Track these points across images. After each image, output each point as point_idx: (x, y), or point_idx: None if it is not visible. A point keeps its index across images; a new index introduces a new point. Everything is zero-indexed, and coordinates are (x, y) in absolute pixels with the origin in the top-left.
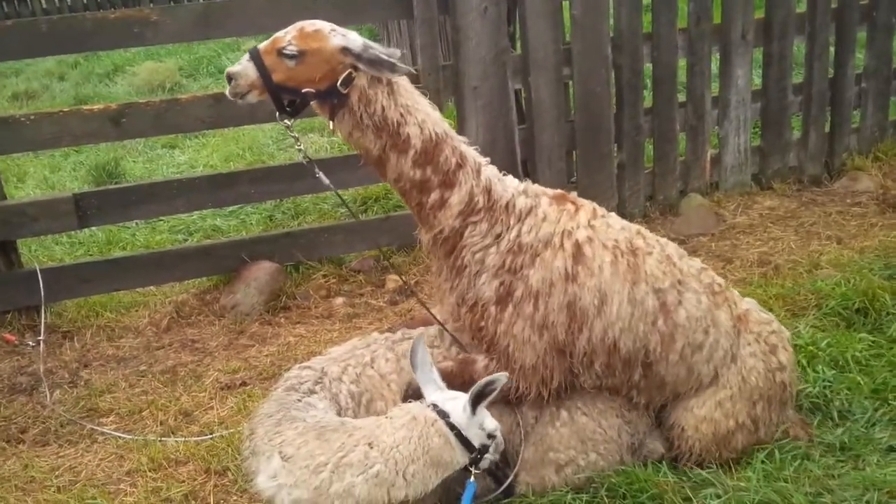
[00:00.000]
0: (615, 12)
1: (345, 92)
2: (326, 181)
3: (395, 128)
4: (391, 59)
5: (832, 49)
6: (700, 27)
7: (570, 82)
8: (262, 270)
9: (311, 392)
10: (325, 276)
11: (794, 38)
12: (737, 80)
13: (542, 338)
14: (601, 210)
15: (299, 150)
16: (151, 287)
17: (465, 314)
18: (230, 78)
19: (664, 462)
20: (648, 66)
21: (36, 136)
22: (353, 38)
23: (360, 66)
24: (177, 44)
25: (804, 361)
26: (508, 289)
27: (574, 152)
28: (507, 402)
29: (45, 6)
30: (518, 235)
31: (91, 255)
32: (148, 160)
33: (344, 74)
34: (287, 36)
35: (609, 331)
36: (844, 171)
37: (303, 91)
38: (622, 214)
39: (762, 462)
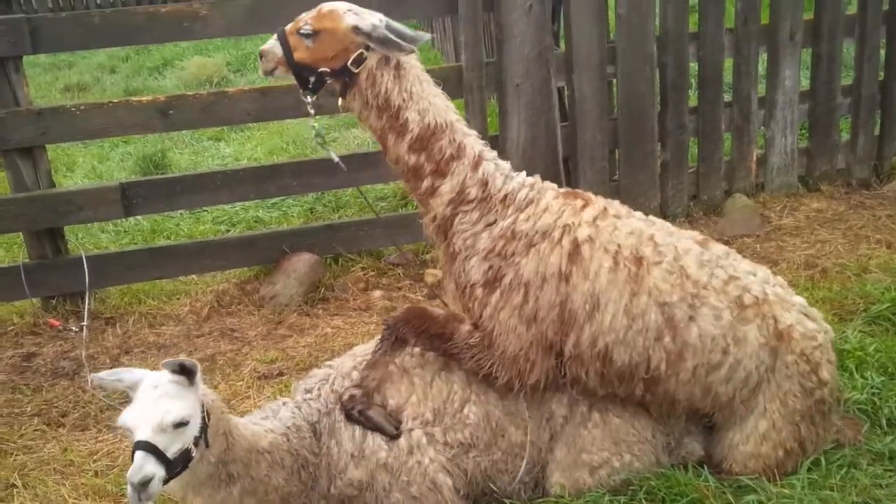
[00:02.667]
0: (661, 10)
1: (356, 71)
2: (336, 158)
3: (395, 111)
4: (398, 39)
5: (882, 51)
6: (747, 27)
7: (614, 80)
8: (302, 262)
9: (308, 391)
10: (363, 268)
11: (843, 39)
12: (784, 81)
13: (528, 330)
14: (616, 209)
15: (312, 128)
16: (193, 276)
17: (459, 297)
18: (261, 55)
19: (705, 466)
20: (694, 66)
21: (86, 126)
22: (366, 18)
23: (371, 44)
24: (225, 38)
25: (852, 366)
26: (497, 273)
27: (616, 151)
28: (483, 378)
29: (99, 1)
30: (513, 223)
31: (135, 243)
32: (194, 152)
33: (355, 54)
34: (306, 16)
35: (600, 339)
36: (894, 175)
37: (319, 70)
38: (664, 214)
39: (808, 470)
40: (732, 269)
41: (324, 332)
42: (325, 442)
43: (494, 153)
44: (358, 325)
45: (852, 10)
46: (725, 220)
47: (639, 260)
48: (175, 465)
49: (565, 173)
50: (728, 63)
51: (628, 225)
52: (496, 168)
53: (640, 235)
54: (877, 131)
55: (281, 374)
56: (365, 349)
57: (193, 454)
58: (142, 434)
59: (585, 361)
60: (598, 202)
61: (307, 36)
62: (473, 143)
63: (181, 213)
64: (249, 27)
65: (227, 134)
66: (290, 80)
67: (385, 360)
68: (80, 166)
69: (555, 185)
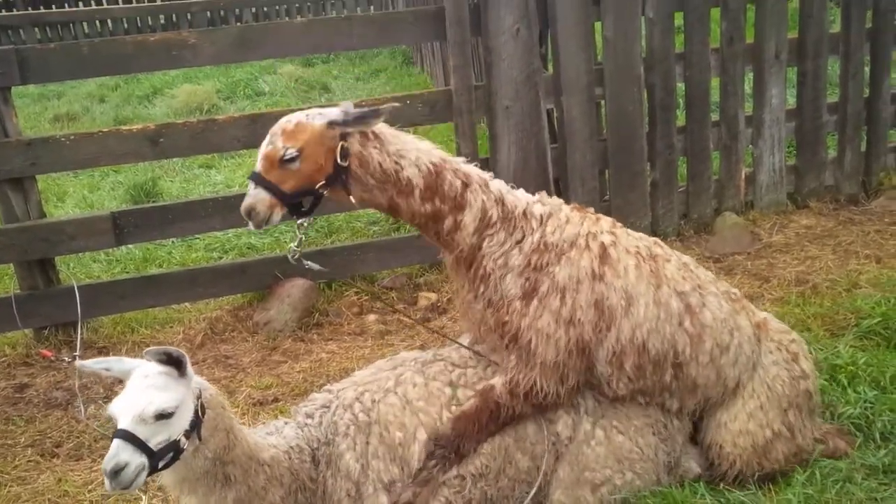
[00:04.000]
0: (647, 32)
1: (346, 164)
2: (317, 267)
3: (395, 176)
4: (371, 108)
5: (866, 69)
6: (733, 47)
7: (602, 102)
8: (296, 288)
9: (309, 416)
10: (357, 293)
11: (827, 57)
12: (771, 100)
13: (567, 333)
14: (619, 224)
15: (294, 250)
16: (186, 304)
17: (492, 314)
18: (249, 213)
19: (701, 482)
20: (681, 86)
21: (75, 156)
22: (329, 111)
23: (349, 129)
24: (215, 66)
25: (844, 381)
26: (534, 284)
27: (606, 171)
28: (538, 408)
29: (87, 31)
30: (542, 236)
31: (127, 272)
32: (185, 180)
33: (338, 148)
34: (277, 144)
35: (637, 331)
36: (882, 191)
37: (317, 187)
38: (655, 233)
39: (802, 485)
40: (710, 274)
41: (319, 357)
42: (322, 471)
43: (491, 173)
44: (353, 350)
45: (836, 28)
46: (716, 238)
47: (654, 258)
48: (159, 457)
49: (556, 194)
50: (715, 82)
51: (634, 233)
52: (502, 185)
53: (647, 240)
54: (863, 147)
55: (276, 399)
56: (364, 375)
57: (184, 446)
58: (122, 423)
59: (626, 355)
60: (605, 217)
61: (292, 160)
62: (469, 167)
63: (173, 241)
64: (238, 54)
65: (217, 161)
66: (286, 217)
67: (439, 479)
68: (70, 196)
69: (560, 199)
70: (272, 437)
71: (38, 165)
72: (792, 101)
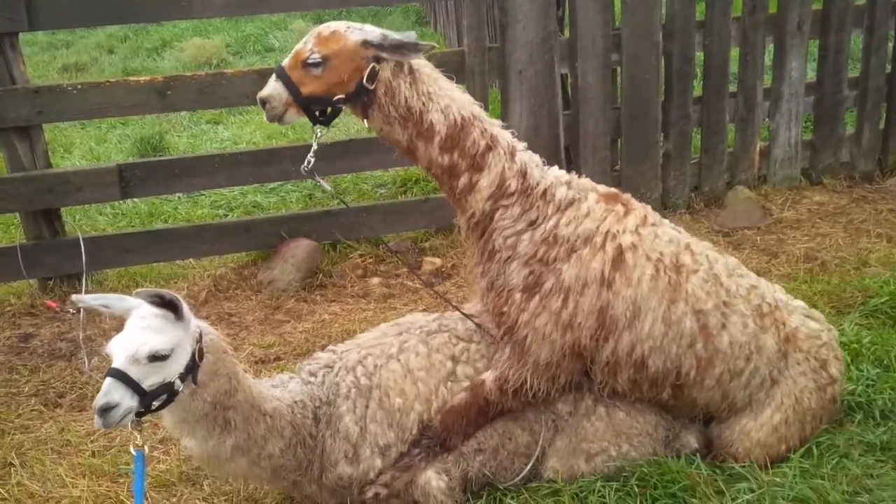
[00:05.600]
0: None
1: (372, 88)
2: (328, 187)
3: (418, 116)
4: (412, 41)
5: (890, 43)
6: (755, 16)
7: (618, 69)
8: (301, 248)
9: (312, 374)
10: (361, 255)
11: (851, 30)
12: (790, 72)
13: (563, 337)
14: (654, 217)
15: (309, 161)
16: (191, 260)
17: (493, 299)
18: (263, 103)
19: (698, 455)
20: (699, 55)
21: (83, 106)
22: (371, 30)
23: (384, 54)
24: (225, 19)
25: (848, 359)
26: (538, 279)
27: (619, 140)
28: (527, 404)
29: None
30: (555, 226)
31: (133, 226)
32: (192, 135)
33: (368, 69)
34: (308, 45)
35: (638, 346)
36: None
37: (334, 99)
38: (665, 205)
39: (799, 459)
40: (749, 277)
41: (321, 318)
42: (321, 430)
43: (524, 144)
44: (355, 312)
45: (861, 0)
46: (727, 212)
47: (678, 268)
48: (152, 397)
49: (567, 163)
50: (734, 53)
51: (666, 233)
52: (529, 157)
53: (679, 243)
54: (882, 124)
55: (278, 358)
56: (368, 338)
57: (178, 389)
58: (116, 362)
59: (621, 368)
60: (637, 207)
61: (316, 65)
62: (503, 132)
63: (179, 197)
64: (248, 8)
65: (225, 117)
66: (301, 119)
67: (421, 468)
68: (77, 147)
69: (595, 185)
70: (277, 389)
71: (44, 114)
72: (812, 75)
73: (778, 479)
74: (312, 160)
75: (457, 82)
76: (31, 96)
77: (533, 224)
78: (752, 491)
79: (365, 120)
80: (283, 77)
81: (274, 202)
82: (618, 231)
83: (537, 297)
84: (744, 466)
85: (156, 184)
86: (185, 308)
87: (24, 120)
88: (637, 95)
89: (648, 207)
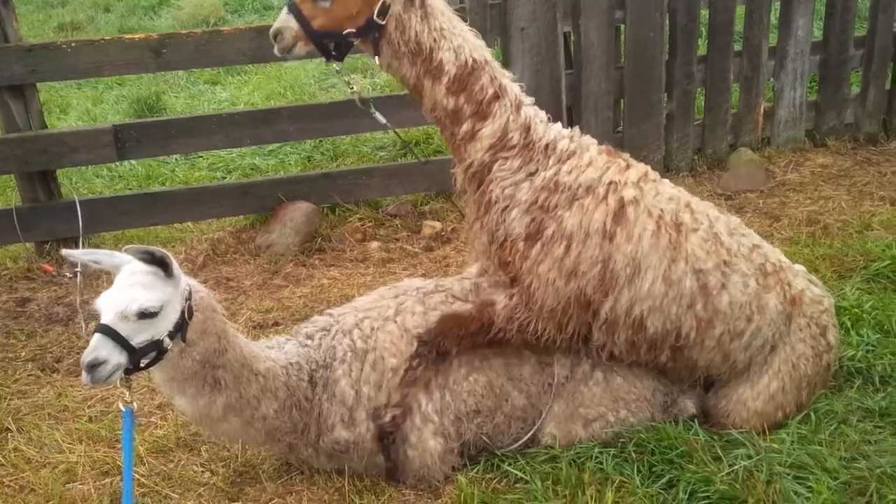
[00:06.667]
0: None
1: (382, 22)
2: (383, 120)
3: (428, 53)
4: None
5: None
6: None
7: (622, 27)
8: (299, 211)
9: (309, 336)
10: (361, 219)
11: None
12: (797, 31)
13: (567, 284)
14: (654, 174)
15: (351, 91)
16: (188, 223)
17: (496, 251)
18: (275, 35)
19: (696, 420)
20: (704, 13)
21: (77, 64)
22: None
23: None
24: None
25: (848, 324)
26: (539, 226)
27: (622, 101)
28: (530, 345)
29: None
30: (556, 174)
31: (130, 188)
32: (190, 96)
33: (379, 4)
34: None
35: (636, 306)
36: None
37: (344, 33)
38: (668, 167)
39: (797, 425)
40: (752, 237)
41: (320, 282)
42: (318, 393)
43: (532, 98)
44: (354, 276)
45: None
46: (729, 174)
47: (678, 226)
48: (140, 355)
49: (568, 123)
50: (740, 10)
51: (667, 191)
52: (535, 113)
53: (679, 202)
54: (888, 85)
55: (276, 323)
56: (365, 302)
57: (167, 346)
58: (105, 318)
59: (619, 328)
60: (638, 164)
61: None
62: (512, 84)
63: (176, 159)
64: None
65: (223, 77)
66: (313, 54)
67: (426, 377)
68: (73, 108)
69: (594, 140)
70: (272, 350)
71: (38, 73)
72: (818, 34)
73: (776, 446)
74: (356, 87)
75: None
76: (24, 54)
77: (532, 175)
78: (750, 457)
79: (376, 57)
80: (295, 10)
81: (272, 164)
82: (619, 181)
83: (539, 244)
84: (741, 432)
85: (152, 145)
86: (175, 265)
87: (18, 79)
88: (641, 54)
89: (648, 167)
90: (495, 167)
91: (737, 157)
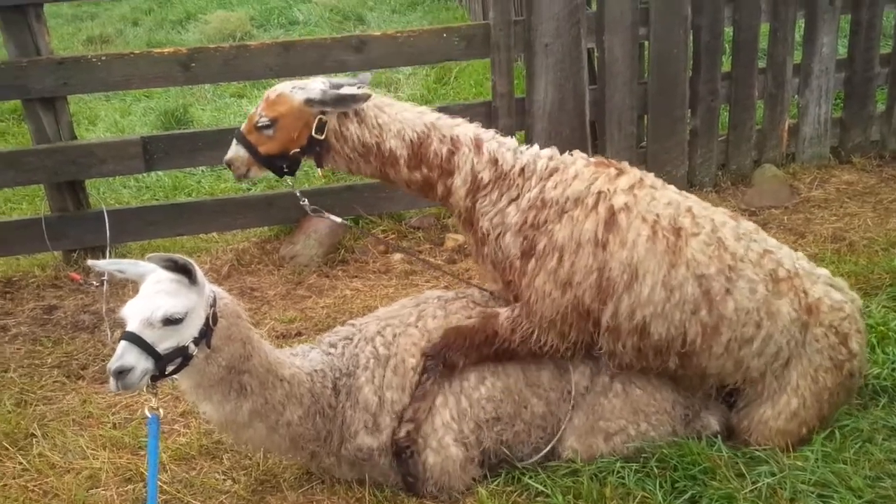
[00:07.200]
0: None
1: (322, 138)
2: (339, 220)
3: (376, 149)
4: (350, 92)
5: None
6: None
7: (646, 43)
8: (322, 223)
9: (332, 345)
10: (384, 231)
11: (884, 5)
12: (821, 48)
13: (564, 294)
14: (651, 181)
15: (303, 203)
16: (214, 234)
17: (499, 275)
18: (229, 165)
19: (719, 437)
20: (728, 31)
21: (107, 78)
22: (312, 87)
23: (328, 109)
24: None
25: (874, 341)
26: (532, 242)
27: (645, 116)
28: (533, 354)
29: None
30: (541, 192)
31: (157, 199)
32: (216, 109)
33: (315, 123)
34: (257, 110)
35: (638, 311)
36: None
37: (290, 154)
38: (692, 183)
39: (822, 443)
40: (765, 242)
41: (343, 293)
42: (341, 401)
43: (492, 131)
44: (377, 288)
45: None
46: (753, 190)
47: (677, 230)
48: (166, 361)
49: (592, 138)
50: (764, 28)
51: (665, 196)
52: (500, 145)
53: (678, 206)
54: None
55: (299, 333)
56: (388, 311)
57: (192, 353)
58: (130, 326)
59: (622, 334)
60: (633, 171)
61: (266, 127)
62: (465, 130)
63: (202, 171)
64: None
65: (249, 91)
66: (267, 174)
67: (435, 390)
68: (102, 120)
69: (584, 154)
70: (297, 358)
71: (69, 85)
72: (843, 52)
73: (800, 463)
74: (306, 200)
75: (481, 56)
76: (55, 67)
77: (516, 199)
78: (774, 475)
79: (319, 169)
80: (243, 140)
81: (298, 176)
82: (609, 190)
83: (533, 260)
84: (765, 449)
85: (179, 156)
86: (199, 272)
87: (49, 91)
88: (665, 70)
89: (650, 174)
90: (478, 206)
91: (761, 173)
